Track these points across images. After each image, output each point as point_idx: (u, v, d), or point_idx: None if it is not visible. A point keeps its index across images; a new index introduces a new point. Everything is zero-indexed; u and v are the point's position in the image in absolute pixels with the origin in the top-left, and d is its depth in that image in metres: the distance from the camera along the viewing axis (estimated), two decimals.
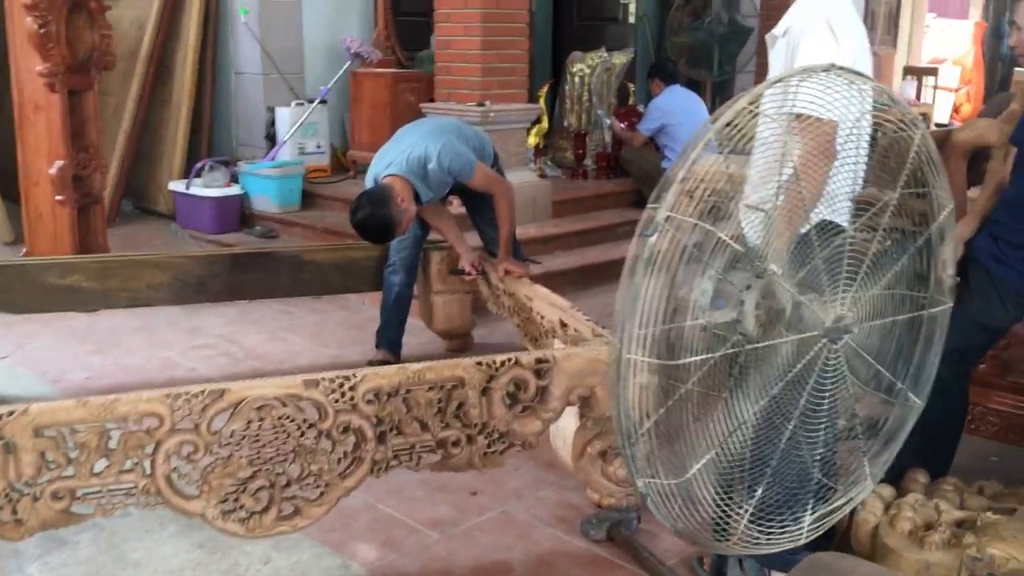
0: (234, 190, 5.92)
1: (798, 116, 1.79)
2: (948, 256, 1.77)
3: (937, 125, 9.53)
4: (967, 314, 2.54)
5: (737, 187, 1.53)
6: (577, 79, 7.03)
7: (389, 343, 3.96)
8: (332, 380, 2.30)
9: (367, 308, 4.62)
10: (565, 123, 7.11)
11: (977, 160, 4.45)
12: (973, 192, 3.51)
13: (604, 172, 6.69)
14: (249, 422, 2.23)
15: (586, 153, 6.75)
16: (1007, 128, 3.04)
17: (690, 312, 1.49)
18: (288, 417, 2.26)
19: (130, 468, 2.15)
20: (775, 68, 2.18)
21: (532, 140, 6.31)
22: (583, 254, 5.52)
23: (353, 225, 3.55)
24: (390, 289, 3.92)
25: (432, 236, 4.05)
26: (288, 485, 2.29)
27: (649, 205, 1.43)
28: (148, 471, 2.16)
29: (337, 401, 2.30)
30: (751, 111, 1.48)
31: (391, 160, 3.61)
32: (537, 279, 4.82)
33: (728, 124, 1.51)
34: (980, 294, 2.55)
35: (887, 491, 2.38)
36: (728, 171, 1.51)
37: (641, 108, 6.87)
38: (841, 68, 1.57)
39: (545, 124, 6.49)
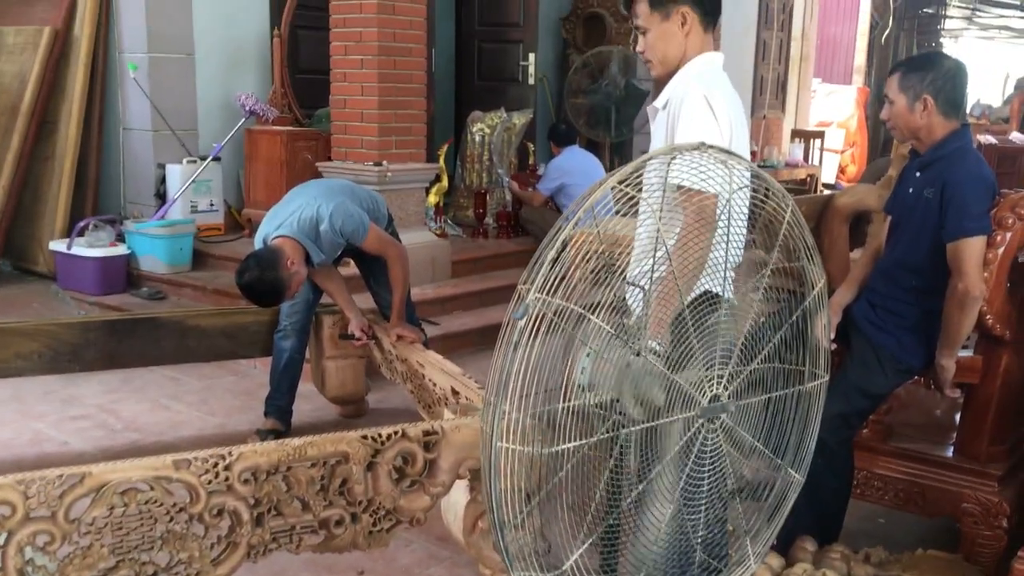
0: (119, 250, 5.69)
1: (680, 188, 1.80)
2: (822, 330, 1.78)
3: (824, 185, 9.94)
4: (849, 380, 2.59)
5: (611, 261, 1.51)
6: (477, 138, 7.07)
7: (279, 411, 3.81)
8: (205, 460, 2.16)
9: (258, 373, 4.45)
10: (466, 182, 7.12)
11: (860, 223, 4.63)
12: (856, 254, 3.62)
13: (505, 231, 6.70)
14: (112, 508, 2.08)
15: (486, 212, 6.76)
16: (885, 193, 3.15)
17: (562, 393, 1.44)
18: (155, 501, 2.12)
19: None
20: (657, 140, 2.20)
21: (432, 199, 6.28)
22: (483, 314, 5.47)
23: (239, 287, 3.43)
24: (280, 355, 3.79)
25: (325, 299, 3.95)
26: (155, 575, 2.13)
27: (520, 285, 1.39)
28: None
29: (210, 482, 2.16)
30: (621, 189, 1.46)
31: (281, 221, 3.52)
32: (436, 340, 4.78)
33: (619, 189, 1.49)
34: (860, 360, 2.60)
35: (776, 561, 2.38)
36: (601, 247, 1.49)
37: (541, 168, 6.94)
38: (711, 146, 1.57)
39: (445, 183, 6.48)
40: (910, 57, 3.18)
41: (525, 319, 1.35)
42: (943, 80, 2.55)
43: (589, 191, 1.43)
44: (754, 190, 1.76)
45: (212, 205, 6.16)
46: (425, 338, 3.83)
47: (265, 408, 3.84)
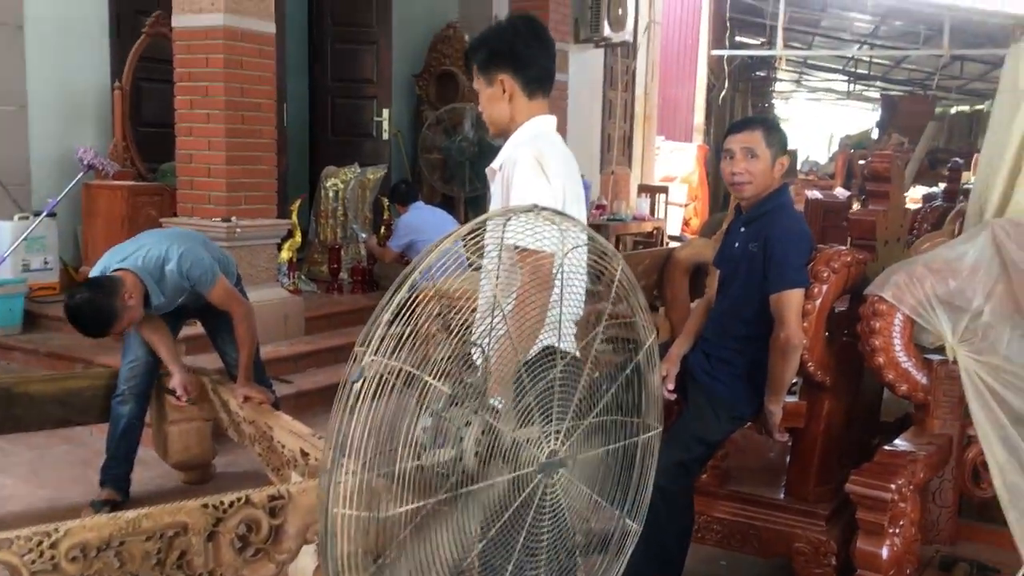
0: None
1: (516, 248, 1.85)
2: (655, 383, 1.86)
3: (670, 237, 10.39)
4: (687, 428, 2.70)
5: (449, 321, 1.53)
6: (331, 193, 7.03)
7: (116, 480, 3.62)
8: (28, 539, 2.04)
9: (94, 440, 4.21)
10: (320, 237, 7.06)
11: (699, 274, 4.86)
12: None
13: (359, 286, 6.66)
14: None
15: (341, 267, 6.71)
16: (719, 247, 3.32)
17: (402, 453, 1.45)
18: None
19: None
20: (494, 201, 2.26)
21: (285, 254, 6.18)
22: (338, 371, 5.38)
23: (66, 310, 3.26)
24: (118, 421, 3.61)
25: None
26: None
27: (356, 347, 1.40)
28: None
29: (34, 562, 2.04)
30: (455, 251, 1.49)
31: (126, 255, 3.38)
32: (289, 399, 4.67)
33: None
34: (696, 409, 2.72)
35: None
36: (438, 308, 1.51)
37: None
38: (544, 208, 1.63)
39: (299, 238, 6.39)
40: (757, 116, 3.38)
41: (362, 381, 1.35)
42: (786, 142, 2.76)
43: (425, 252, 1.46)
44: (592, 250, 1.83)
45: (46, 263, 5.83)
46: (276, 398, 3.74)
47: (101, 477, 3.64)
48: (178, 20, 5.18)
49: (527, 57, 2.26)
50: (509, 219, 1.60)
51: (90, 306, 3.19)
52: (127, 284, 3.26)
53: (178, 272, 3.36)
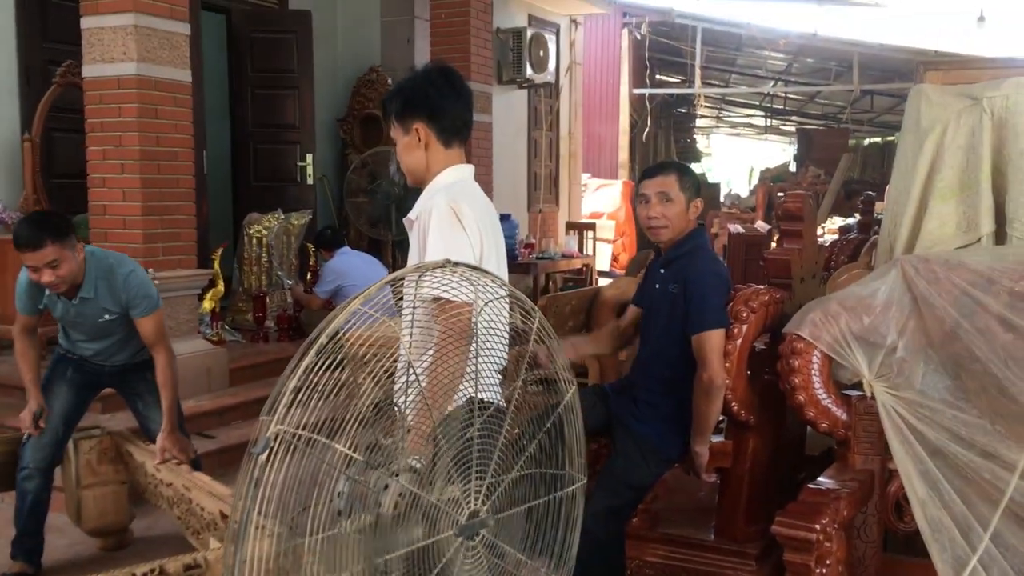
0: None
1: (436, 300, 1.82)
2: (577, 434, 1.84)
3: (600, 273, 10.48)
4: (615, 474, 2.69)
5: (357, 388, 1.49)
6: (255, 240, 6.91)
7: (27, 554, 3.47)
8: None
9: (6, 507, 4.01)
10: (244, 285, 6.91)
11: (626, 312, 4.86)
12: None
13: (286, 334, 6.53)
14: None
15: (266, 315, 6.57)
16: None
17: (313, 526, 1.39)
18: None
19: None
20: (413, 251, 2.23)
21: (207, 304, 6.03)
22: None
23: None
24: (24, 496, 3.44)
25: (81, 424, 3.65)
26: None
27: (262, 416, 1.34)
28: None
29: None
30: (367, 312, 1.46)
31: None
32: (213, 455, 4.53)
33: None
34: (624, 453, 2.71)
35: None
36: (350, 375, 1.47)
37: None
38: (457, 263, 1.61)
39: (221, 287, 6.24)
40: (671, 161, 3.41)
41: (267, 453, 1.30)
42: (699, 185, 2.79)
43: (332, 316, 1.42)
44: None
45: None
46: (196, 455, 3.60)
47: (12, 551, 3.48)
48: (89, 69, 5.05)
49: (442, 106, 2.26)
50: (422, 275, 1.56)
51: (51, 213, 3.26)
52: (80, 247, 3.22)
53: (123, 280, 3.29)
